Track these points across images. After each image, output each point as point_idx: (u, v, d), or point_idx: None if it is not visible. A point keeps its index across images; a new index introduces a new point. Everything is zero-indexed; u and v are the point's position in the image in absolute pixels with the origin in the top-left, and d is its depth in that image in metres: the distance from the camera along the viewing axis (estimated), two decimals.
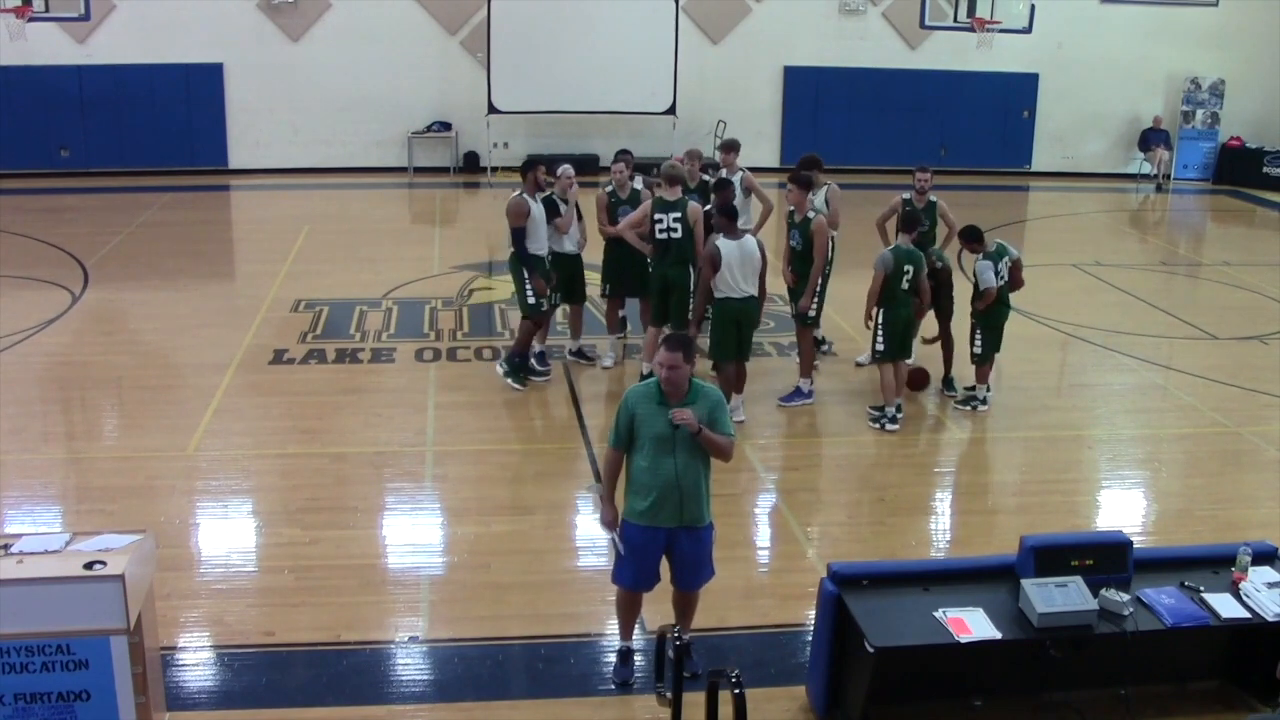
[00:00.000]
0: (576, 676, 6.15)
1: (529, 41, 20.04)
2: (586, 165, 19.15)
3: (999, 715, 5.79)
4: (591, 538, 7.84)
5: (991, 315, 9.79)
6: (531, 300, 9.93)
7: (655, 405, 5.60)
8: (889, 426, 9.59)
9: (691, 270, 9.72)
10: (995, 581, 5.83)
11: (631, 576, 5.84)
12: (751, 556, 7.46)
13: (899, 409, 9.67)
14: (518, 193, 9.88)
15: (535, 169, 10.03)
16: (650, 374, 9.92)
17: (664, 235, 9.67)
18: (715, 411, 5.64)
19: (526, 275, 9.86)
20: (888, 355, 9.61)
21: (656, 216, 9.67)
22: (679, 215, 9.61)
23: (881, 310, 9.52)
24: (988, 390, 10.07)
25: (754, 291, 9.14)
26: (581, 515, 8.11)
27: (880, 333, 9.57)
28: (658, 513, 5.65)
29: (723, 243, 8.99)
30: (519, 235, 9.78)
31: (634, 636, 6.14)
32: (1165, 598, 5.76)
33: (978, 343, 9.86)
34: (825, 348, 11.45)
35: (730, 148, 11.27)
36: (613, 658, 6.17)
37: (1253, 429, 9.88)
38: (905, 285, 9.46)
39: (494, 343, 11.56)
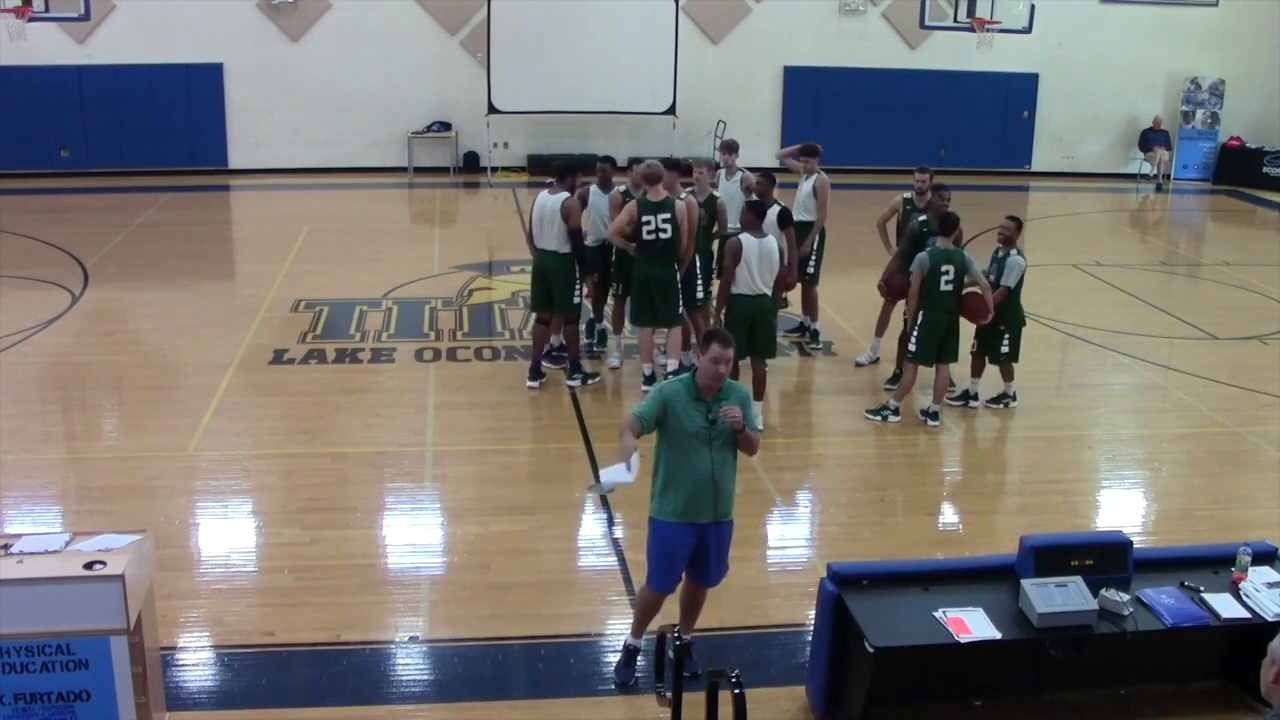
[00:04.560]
0: (576, 676, 6.15)
1: (529, 41, 20.04)
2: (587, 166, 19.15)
3: (999, 715, 5.79)
4: (591, 538, 7.85)
5: (1013, 315, 9.77)
6: (577, 300, 10.13)
7: (692, 402, 5.62)
8: (891, 419, 9.65)
9: (677, 268, 9.72)
10: (995, 581, 5.83)
11: (664, 580, 5.84)
12: (751, 556, 7.46)
13: (898, 411, 9.69)
14: (564, 195, 9.82)
15: (575, 173, 10.16)
16: (652, 374, 10.03)
17: (652, 236, 9.60)
18: (745, 407, 5.72)
19: (580, 276, 10.06)
20: (917, 358, 9.57)
21: (644, 218, 9.59)
22: (668, 216, 9.56)
23: (921, 312, 9.45)
24: (978, 392, 10.10)
25: (767, 290, 9.13)
26: (582, 515, 8.10)
27: (915, 334, 9.53)
28: (693, 508, 5.66)
29: (745, 238, 8.99)
30: (579, 236, 9.87)
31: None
32: (1165, 598, 5.76)
33: (1005, 343, 9.82)
34: (810, 345, 11.49)
35: (730, 148, 11.31)
36: (612, 658, 6.17)
37: (1253, 429, 9.88)
38: (946, 286, 9.33)
39: (494, 343, 11.56)
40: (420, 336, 11.69)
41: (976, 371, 10.10)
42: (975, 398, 10.11)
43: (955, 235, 9.51)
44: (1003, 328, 9.77)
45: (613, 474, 5.50)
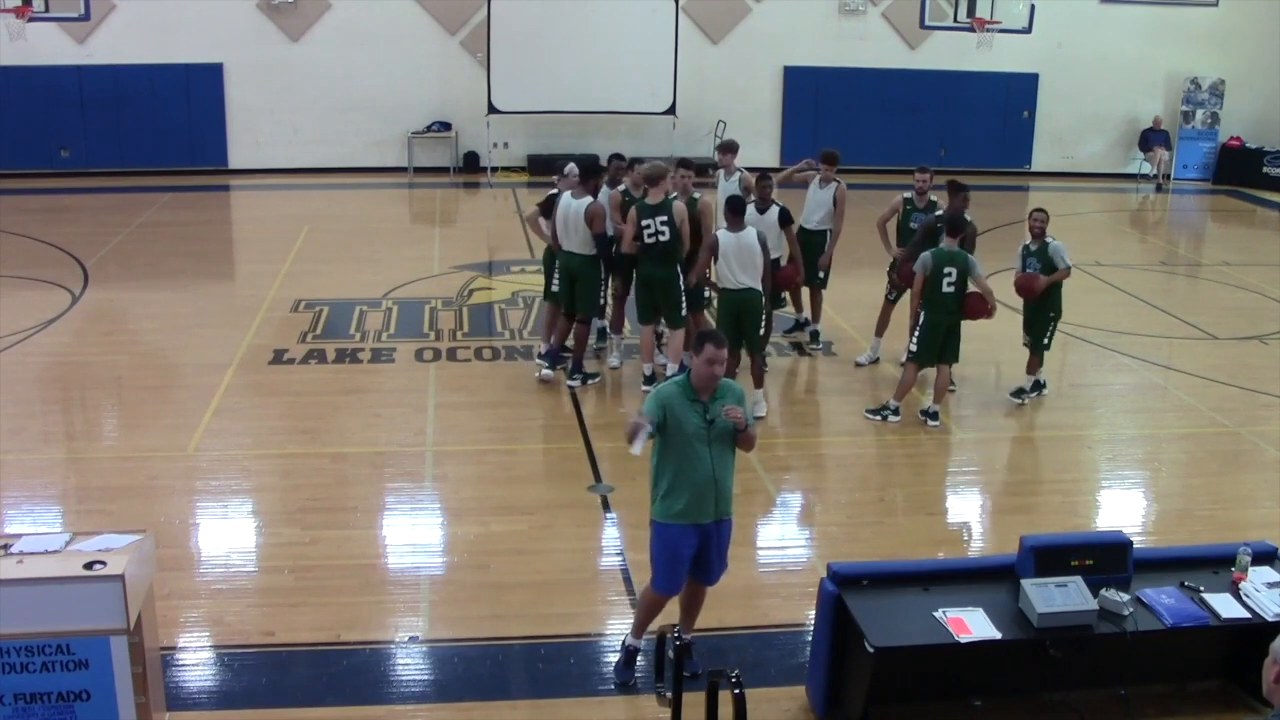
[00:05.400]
0: (576, 676, 6.15)
1: (529, 41, 20.05)
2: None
3: (999, 715, 5.79)
4: (591, 538, 7.84)
5: (1059, 304, 10.11)
6: (602, 302, 10.35)
7: (688, 403, 5.64)
8: (891, 419, 9.65)
9: (680, 270, 9.75)
10: (995, 581, 5.82)
11: (669, 582, 5.84)
12: (751, 556, 7.46)
13: (897, 410, 9.69)
14: (588, 199, 9.88)
15: (599, 175, 10.22)
16: (652, 374, 10.03)
17: (652, 239, 9.64)
18: (740, 403, 5.76)
19: (605, 278, 10.25)
20: (916, 357, 9.57)
21: (644, 222, 9.63)
22: (666, 219, 9.60)
23: (923, 312, 9.47)
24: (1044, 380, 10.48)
25: (752, 284, 9.25)
26: (581, 515, 8.10)
27: (916, 334, 9.54)
28: (695, 509, 5.67)
29: (723, 234, 9.23)
30: (604, 240, 9.94)
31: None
32: (1165, 598, 5.76)
33: (1048, 333, 10.12)
34: (810, 346, 11.47)
35: (728, 149, 11.31)
36: (612, 658, 6.17)
37: (1253, 429, 9.88)
38: (948, 288, 9.35)
39: (494, 343, 11.56)
40: (420, 336, 11.69)
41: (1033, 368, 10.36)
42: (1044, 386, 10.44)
43: (961, 237, 9.51)
44: (1052, 315, 10.04)
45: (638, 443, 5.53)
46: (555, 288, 10.43)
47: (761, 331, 9.58)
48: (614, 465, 8.68)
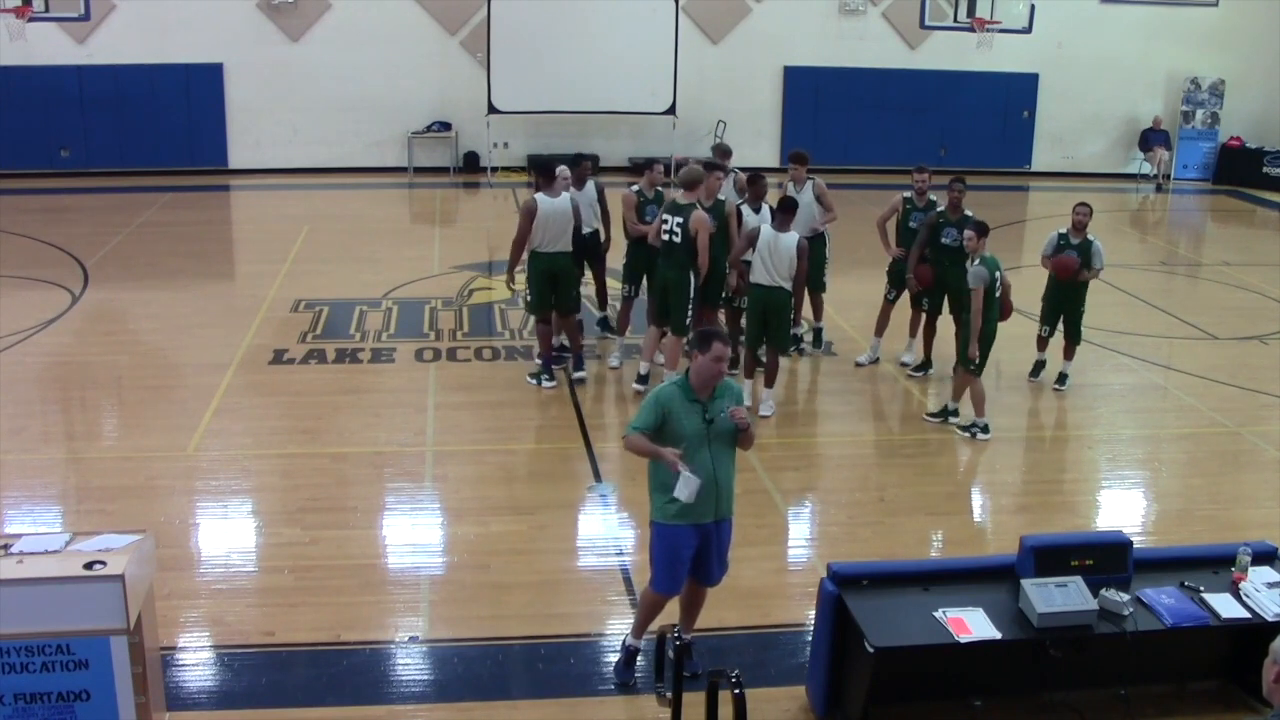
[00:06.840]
0: (576, 676, 6.15)
1: (529, 41, 20.05)
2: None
3: (999, 715, 5.79)
4: (591, 538, 7.85)
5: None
6: (575, 293, 10.48)
7: (687, 403, 5.63)
8: (980, 436, 9.44)
9: (692, 276, 9.73)
10: (995, 581, 5.83)
11: (669, 582, 5.84)
12: (751, 556, 7.45)
13: (986, 429, 9.46)
14: (567, 195, 10.04)
15: (554, 171, 10.29)
16: (648, 373, 10.03)
17: (667, 236, 9.72)
18: (739, 402, 5.78)
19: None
20: (981, 369, 9.38)
21: (664, 217, 9.78)
22: (681, 221, 9.64)
23: (982, 323, 9.27)
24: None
25: (783, 284, 9.40)
26: (581, 515, 8.11)
27: (976, 345, 9.23)
28: (695, 509, 5.66)
29: (764, 228, 9.44)
30: (580, 233, 10.08)
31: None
32: (1165, 598, 5.76)
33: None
34: (811, 347, 11.44)
35: (722, 153, 11.41)
36: (612, 658, 6.17)
37: (1253, 429, 9.88)
38: (996, 293, 9.30)
39: (494, 343, 11.56)
40: (420, 336, 11.69)
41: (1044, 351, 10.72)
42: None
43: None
44: (1082, 310, 10.38)
45: (687, 486, 5.49)
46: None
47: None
48: (614, 465, 8.68)
